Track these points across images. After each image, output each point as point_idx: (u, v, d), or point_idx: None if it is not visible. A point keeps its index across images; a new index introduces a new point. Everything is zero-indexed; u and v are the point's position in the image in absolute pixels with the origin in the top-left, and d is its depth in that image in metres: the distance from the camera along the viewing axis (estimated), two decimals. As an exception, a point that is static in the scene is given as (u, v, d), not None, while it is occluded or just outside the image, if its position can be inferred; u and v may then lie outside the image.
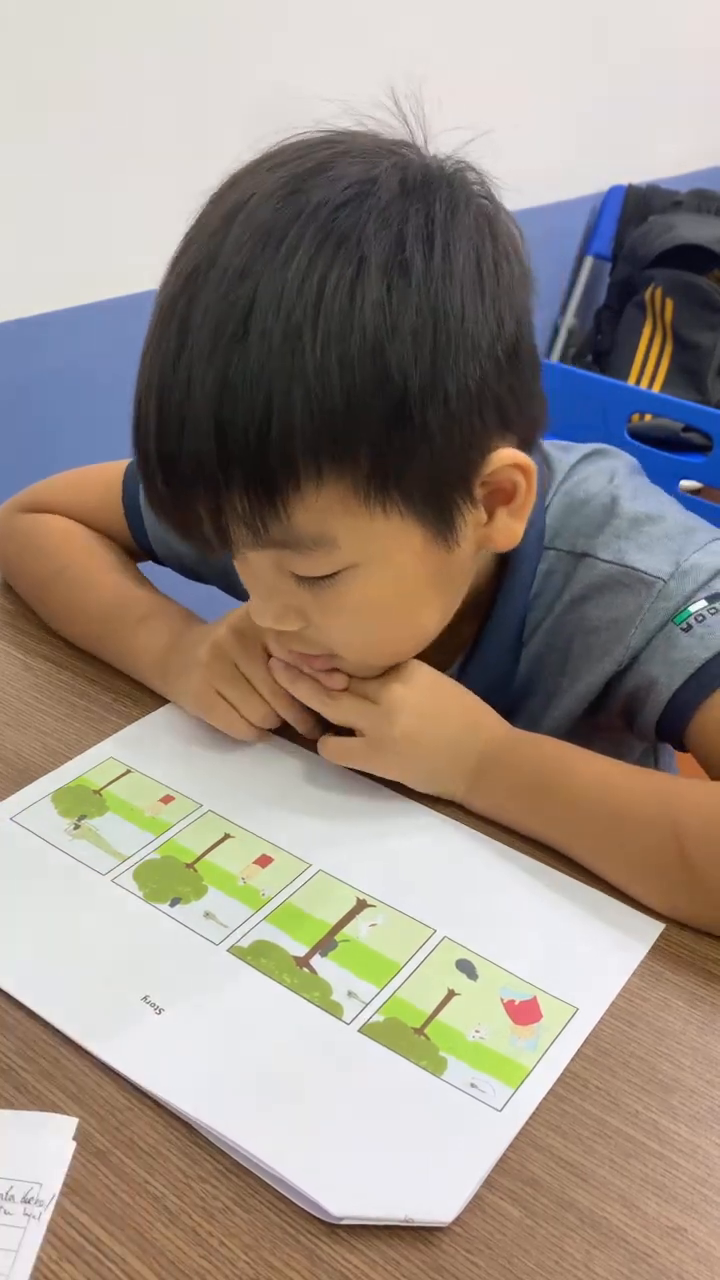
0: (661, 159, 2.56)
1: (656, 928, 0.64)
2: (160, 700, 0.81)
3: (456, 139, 0.64)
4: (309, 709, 0.74)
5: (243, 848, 0.69)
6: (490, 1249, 0.49)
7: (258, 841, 0.69)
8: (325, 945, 0.62)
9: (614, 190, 2.45)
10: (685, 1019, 0.59)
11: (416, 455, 0.60)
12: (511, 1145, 0.52)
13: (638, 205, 2.41)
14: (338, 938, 0.63)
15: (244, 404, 0.56)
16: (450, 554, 0.65)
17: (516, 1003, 0.59)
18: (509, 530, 0.68)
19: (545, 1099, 0.55)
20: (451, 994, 0.60)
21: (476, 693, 0.74)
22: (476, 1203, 0.50)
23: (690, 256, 2.27)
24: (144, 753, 0.76)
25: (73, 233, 1.51)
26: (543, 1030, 0.58)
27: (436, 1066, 0.56)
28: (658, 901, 0.64)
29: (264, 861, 0.68)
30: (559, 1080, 0.55)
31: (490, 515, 0.67)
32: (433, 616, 0.69)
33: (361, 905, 0.65)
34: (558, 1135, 0.53)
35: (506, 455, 0.64)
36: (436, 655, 0.75)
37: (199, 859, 0.68)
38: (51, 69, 1.42)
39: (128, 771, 0.75)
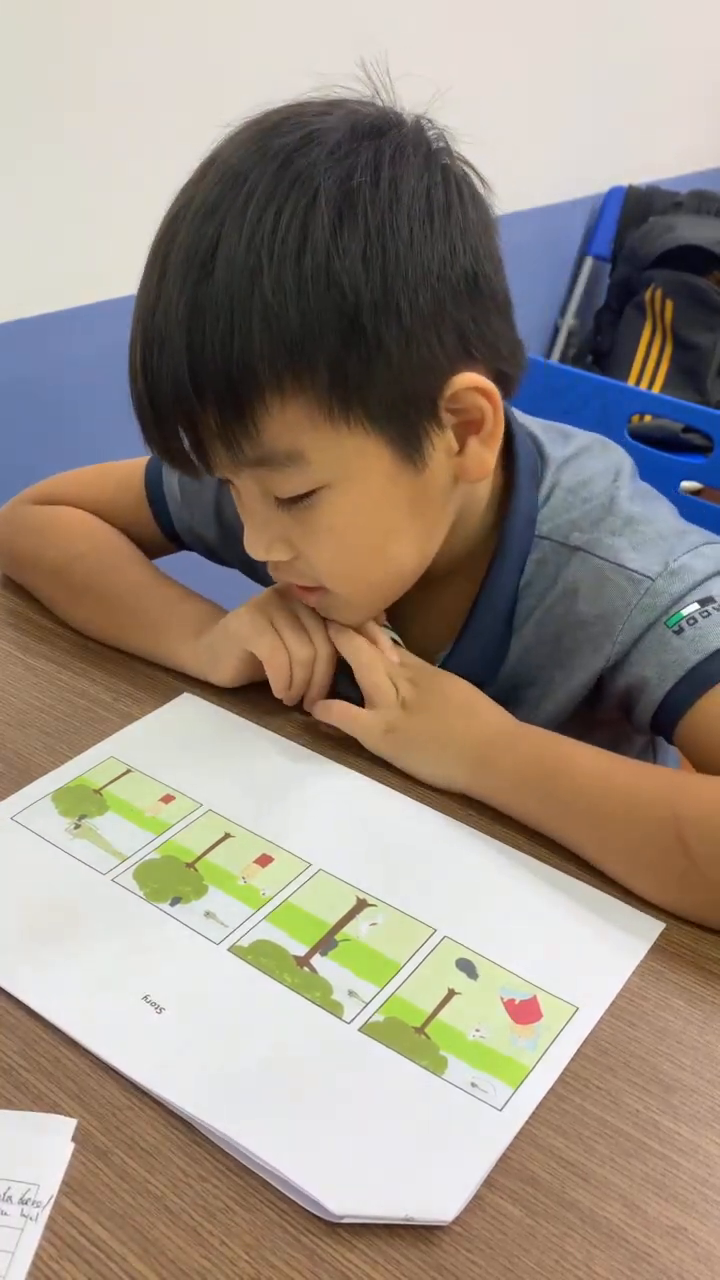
0: (661, 159, 2.56)
1: (657, 927, 0.64)
2: (161, 700, 0.81)
3: (420, 101, 0.68)
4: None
5: (243, 847, 0.69)
6: (490, 1249, 0.49)
7: (258, 841, 0.69)
8: (325, 945, 0.62)
9: (614, 191, 2.45)
10: (686, 1018, 0.59)
11: (375, 369, 0.63)
12: (512, 1145, 0.52)
13: (638, 206, 2.41)
14: (338, 937, 0.63)
15: (210, 326, 0.61)
16: (420, 477, 0.68)
17: (517, 1002, 0.59)
18: (480, 460, 0.70)
19: (546, 1098, 0.55)
20: (452, 993, 0.60)
21: (468, 674, 0.76)
22: (477, 1202, 0.50)
23: (690, 257, 2.27)
24: (144, 752, 0.76)
25: (73, 233, 1.51)
26: (543, 1030, 0.58)
27: (437, 1066, 0.56)
28: (658, 894, 0.65)
29: (264, 861, 0.68)
30: (560, 1080, 0.55)
31: (462, 445, 0.69)
32: (409, 547, 0.72)
33: (362, 905, 0.65)
34: (558, 1135, 0.53)
35: (468, 379, 0.67)
36: (430, 633, 0.76)
37: (199, 858, 0.68)
38: (52, 69, 1.42)
39: (128, 771, 0.75)
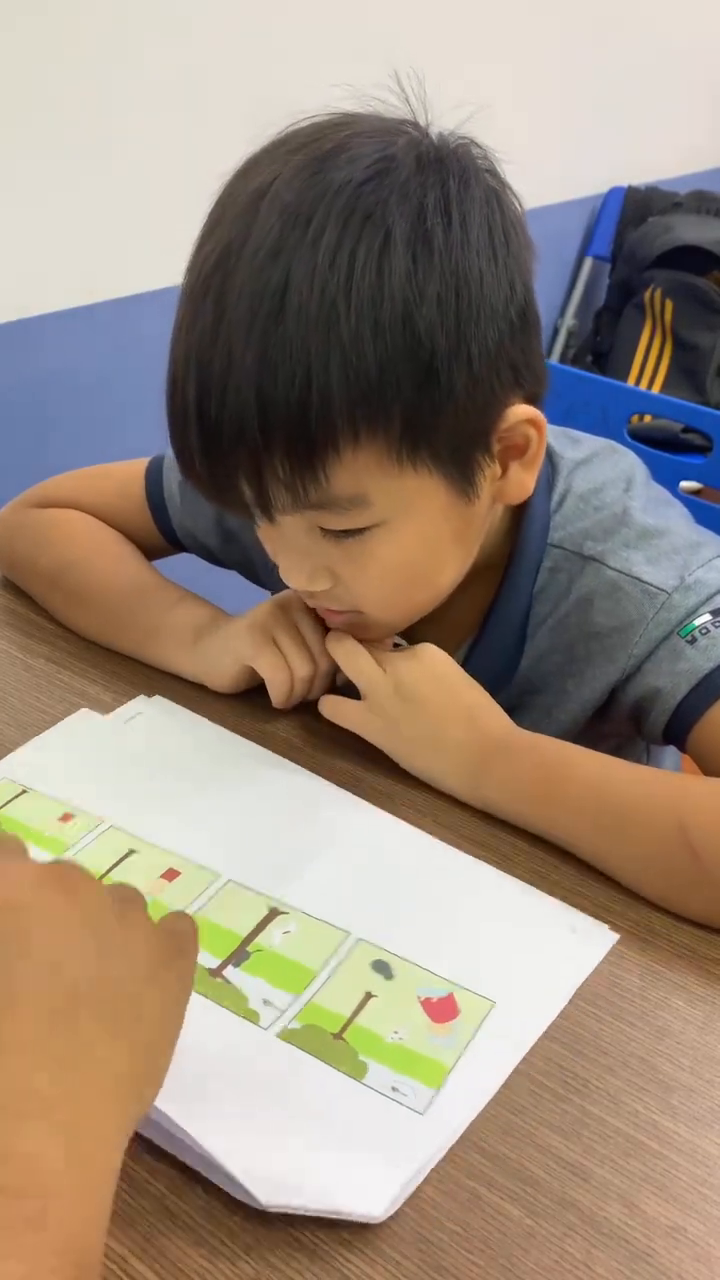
0: (661, 160, 2.56)
1: (575, 913, 0.63)
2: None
3: (455, 118, 0.67)
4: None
5: (148, 863, 0.66)
6: (490, 1249, 0.49)
7: (163, 854, 0.67)
8: (238, 956, 0.60)
9: (614, 191, 2.45)
10: (685, 1018, 0.59)
11: (444, 414, 0.63)
12: (512, 1145, 0.52)
13: (637, 206, 2.41)
14: (250, 948, 0.61)
15: (284, 376, 0.59)
16: (470, 508, 0.68)
17: (433, 1000, 0.58)
18: (521, 483, 0.70)
19: (546, 1098, 0.54)
20: (369, 996, 0.59)
21: (483, 680, 0.75)
22: (476, 1202, 0.50)
23: (690, 258, 2.27)
24: (40, 771, 0.73)
25: (73, 233, 1.51)
26: (459, 1027, 0.57)
27: (357, 1071, 0.55)
28: (668, 898, 0.65)
29: (170, 875, 0.66)
30: (560, 1080, 0.55)
31: (504, 469, 0.69)
32: (451, 572, 0.72)
33: (274, 913, 0.63)
34: (558, 1135, 0.53)
35: (522, 411, 0.67)
36: (445, 640, 0.76)
37: (103, 877, 0.65)
38: (53, 70, 1.42)
39: (23, 791, 0.72)
